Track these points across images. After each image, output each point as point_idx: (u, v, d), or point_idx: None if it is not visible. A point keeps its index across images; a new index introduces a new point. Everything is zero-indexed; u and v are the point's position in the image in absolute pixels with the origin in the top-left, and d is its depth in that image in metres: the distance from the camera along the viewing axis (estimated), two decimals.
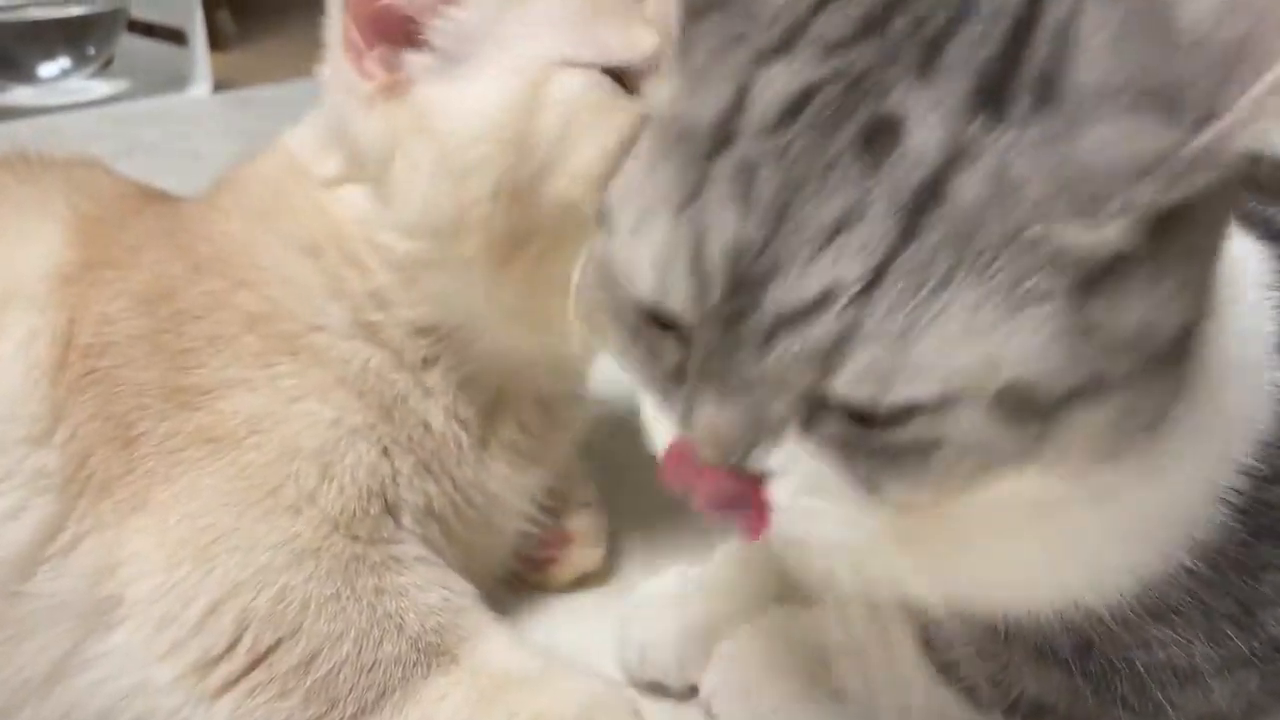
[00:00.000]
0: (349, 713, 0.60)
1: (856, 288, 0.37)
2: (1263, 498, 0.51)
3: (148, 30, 2.32)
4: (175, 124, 1.98)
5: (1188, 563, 0.50)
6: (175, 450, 0.61)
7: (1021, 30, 0.38)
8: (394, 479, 0.64)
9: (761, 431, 0.41)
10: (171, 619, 0.59)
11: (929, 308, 0.37)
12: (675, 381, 0.43)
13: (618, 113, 0.59)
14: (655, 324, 0.43)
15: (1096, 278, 0.38)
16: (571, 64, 0.59)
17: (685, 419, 0.43)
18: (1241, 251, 0.51)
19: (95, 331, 0.63)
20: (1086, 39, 0.37)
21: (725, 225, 0.39)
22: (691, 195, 0.40)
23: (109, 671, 0.60)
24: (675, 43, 0.44)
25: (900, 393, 0.38)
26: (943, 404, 0.38)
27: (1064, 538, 0.49)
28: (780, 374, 0.39)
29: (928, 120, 0.38)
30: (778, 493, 0.42)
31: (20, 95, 2.12)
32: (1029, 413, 0.39)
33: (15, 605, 0.59)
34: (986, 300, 0.37)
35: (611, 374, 0.55)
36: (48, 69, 2.13)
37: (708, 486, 0.43)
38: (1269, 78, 0.34)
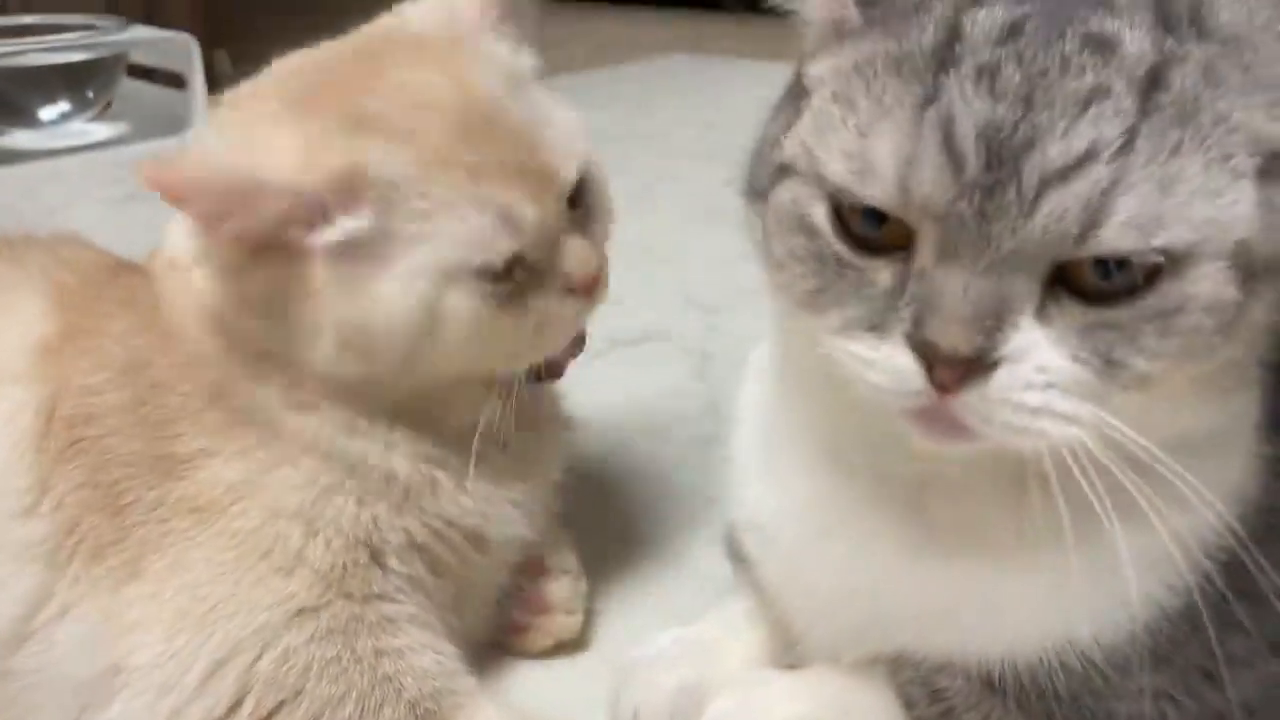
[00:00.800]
0: None
1: (1118, 143, 0.42)
2: (1240, 559, 0.52)
3: (147, 74, 2.35)
4: None
5: (1178, 605, 0.52)
6: (164, 520, 0.62)
7: None
8: (375, 523, 0.64)
9: (1007, 312, 0.43)
10: (172, 685, 0.59)
11: (1174, 166, 0.42)
12: (891, 303, 0.46)
13: (502, 317, 0.62)
14: (865, 249, 0.46)
15: (1273, 165, 0.44)
16: (465, 268, 0.60)
17: (926, 316, 0.44)
18: None
19: (78, 402, 0.63)
20: None
21: (976, 110, 0.43)
22: (928, 98, 0.44)
23: None
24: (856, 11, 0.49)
25: (1162, 238, 0.42)
26: (1188, 259, 0.42)
27: (1085, 560, 0.50)
28: (1047, 233, 0.42)
29: (1135, 34, 0.44)
30: (1006, 383, 0.44)
31: (21, 138, 2.13)
32: (1248, 274, 0.43)
33: (6, 684, 0.60)
34: (1211, 168, 0.43)
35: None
36: (48, 112, 2.15)
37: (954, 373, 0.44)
38: None
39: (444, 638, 0.67)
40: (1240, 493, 0.53)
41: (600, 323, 0.72)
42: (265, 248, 0.60)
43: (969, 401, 0.44)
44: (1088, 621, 0.52)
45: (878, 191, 0.45)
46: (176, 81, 2.24)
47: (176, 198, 0.59)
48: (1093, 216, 0.42)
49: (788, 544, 0.60)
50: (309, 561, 0.62)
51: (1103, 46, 0.43)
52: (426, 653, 0.64)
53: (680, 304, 1.32)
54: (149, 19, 2.38)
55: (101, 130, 2.21)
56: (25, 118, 2.14)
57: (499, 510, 0.69)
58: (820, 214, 0.48)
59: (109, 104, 2.25)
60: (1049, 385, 0.44)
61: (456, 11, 0.68)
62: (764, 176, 0.51)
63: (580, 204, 0.66)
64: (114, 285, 0.70)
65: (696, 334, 1.25)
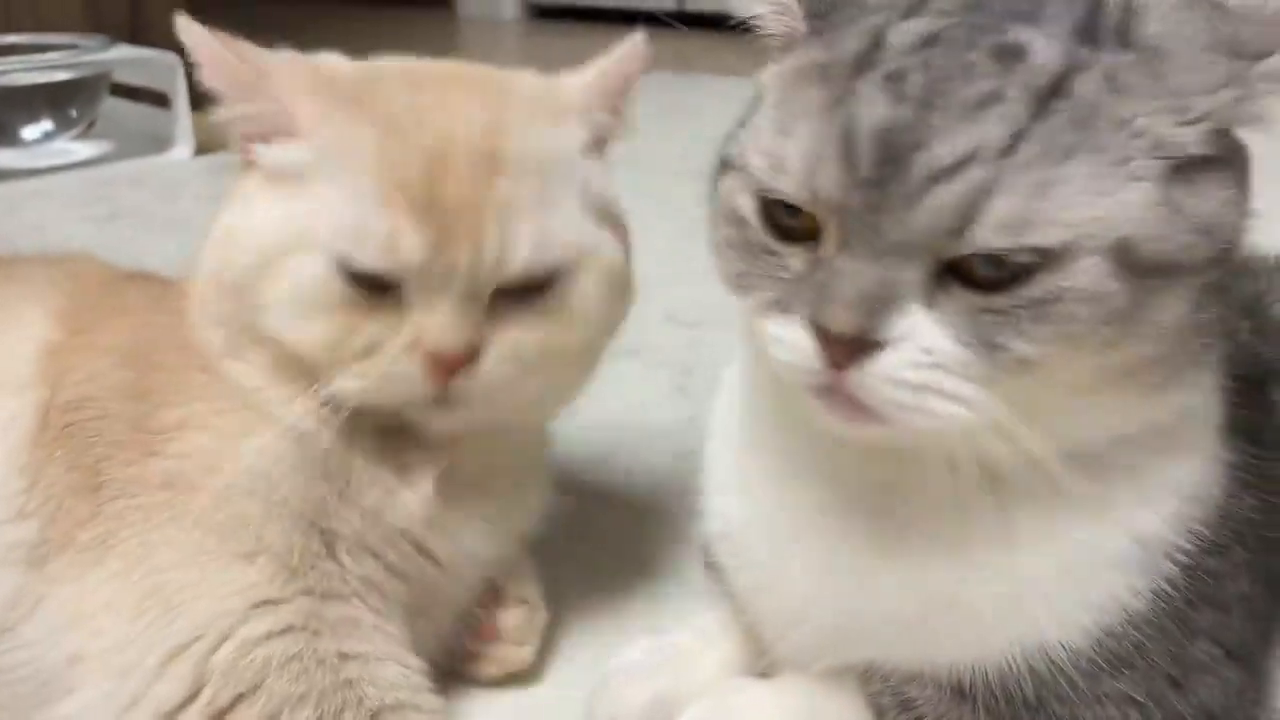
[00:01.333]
0: None
1: (1001, 144, 0.45)
2: (1204, 565, 0.53)
3: (131, 93, 2.35)
4: (157, 186, 2.00)
5: (1141, 609, 0.53)
6: (135, 495, 0.62)
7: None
8: (323, 506, 0.64)
9: (893, 297, 0.46)
10: (133, 668, 0.59)
11: (1058, 170, 0.44)
12: (799, 286, 0.49)
13: (331, 314, 0.62)
14: (785, 238, 0.50)
15: (1182, 168, 0.46)
16: (330, 247, 0.61)
17: (821, 299, 0.47)
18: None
19: (77, 389, 0.65)
20: (1152, 8, 0.48)
21: (876, 110, 0.46)
22: (838, 101, 0.47)
23: None
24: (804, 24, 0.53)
25: (1034, 238, 0.45)
26: (1065, 254, 0.45)
27: (1048, 561, 0.52)
28: (926, 227, 0.45)
29: (1047, 44, 0.47)
30: (893, 362, 0.47)
31: (3, 157, 2.13)
32: (1133, 271, 0.45)
33: None
34: (1102, 171, 0.45)
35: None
36: (31, 131, 2.16)
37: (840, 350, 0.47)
38: None
39: (409, 651, 0.66)
40: (1202, 496, 0.54)
41: None
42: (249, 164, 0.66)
43: (861, 379, 0.47)
44: (1053, 625, 0.53)
45: (788, 186, 0.49)
46: (160, 100, 2.24)
47: (199, 59, 0.64)
48: (968, 214, 0.45)
49: (758, 552, 0.60)
50: (268, 545, 0.62)
51: (1009, 55, 0.46)
52: (390, 664, 0.64)
53: (661, 320, 1.33)
54: (133, 37, 2.38)
55: (85, 149, 2.22)
56: (8, 136, 2.15)
57: (452, 524, 0.68)
58: (748, 205, 0.52)
59: (92, 123, 2.25)
60: (934, 365, 0.46)
61: (564, 87, 0.70)
62: (715, 173, 0.55)
63: (534, 306, 0.64)
64: (129, 287, 0.73)
65: (678, 350, 1.26)
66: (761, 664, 0.64)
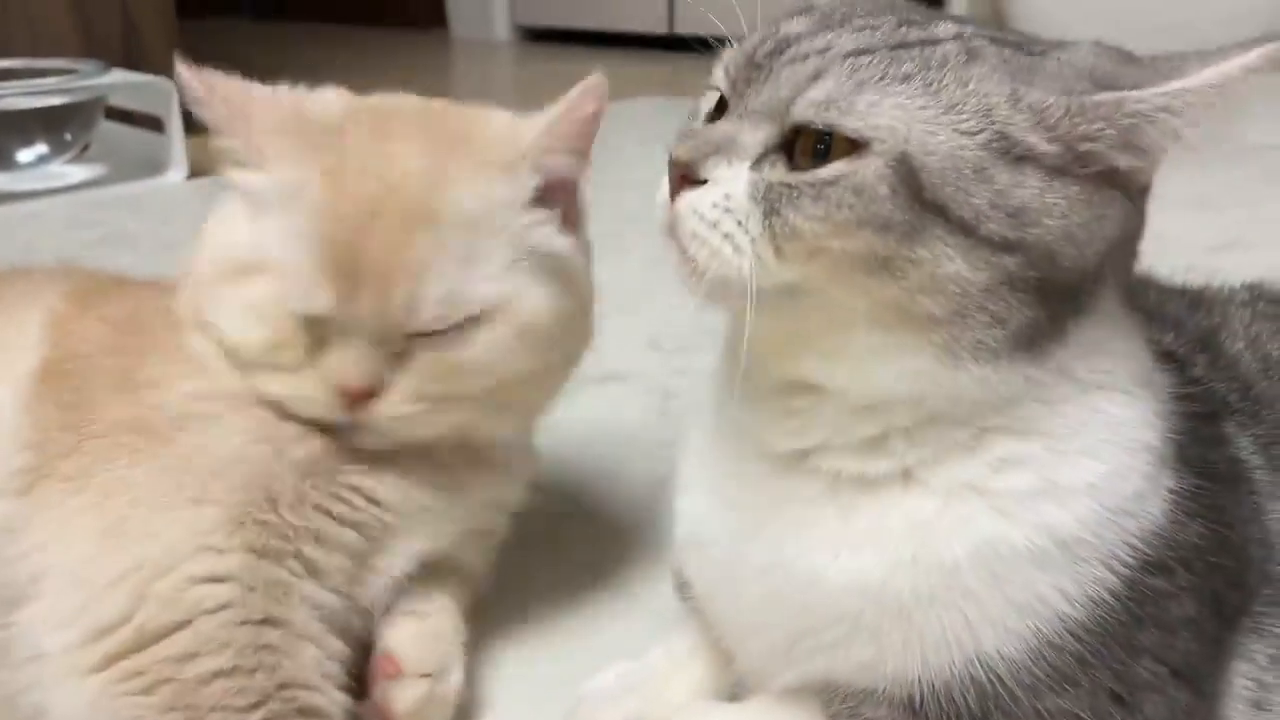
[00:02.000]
0: None
1: (845, 51, 0.54)
2: (1146, 583, 0.55)
3: (125, 116, 2.37)
4: (151, 210, 2.02)
5: (1082, 619, 0.55)
6: (116, 436, 0.68)
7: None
8: (265, 465, 0.68)
9: (727, 150, 0.55)
10: (84, 585, 0.64)
11: (884, 84, 0.52)
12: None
13: (274, 327, 0.69)
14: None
15: (1014, 155, 0.52)
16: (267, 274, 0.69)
17: (680, 139, 0.57)
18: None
19: (75, 345, 0.73)
20: (1080, 44, 0.56)
21: (792, 26, 0.57)
22: (775, 23, 0.59)
23: (17, 648, 0.64)
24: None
25: (834, 118, 0.52)
26: (861, 150, 0.52)
27: (963, 553, 0.55)
28: (769, 97, 0.55)
29: (950, 26, 0.56)
30: (702, 197, 0.55)
31: None
32: (911, 195, 0.51)
33: None
34: (925, 104, 0.52)
35: None
36: (26, 155, 2.18)
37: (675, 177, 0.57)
38: (1180, 82, 0.51)
39: (336, 642, 0.68)
40: (1135, 512, 0.56)
41: None
42: None
43: (677, 208, 0.56)
44: (987, 629, 0.55)
45: (719, 77, 0.60)
46: (155, 124, 2.26)
47: (193, 95, 0.72)
48: (798, 90, 0.54)
49: (716, 553, 0.63)
50: (216, 497, 0.66)
51: (914, 23, 0.56)
52: (310, 645, 0.66)
53: (643, 346, 1.35)
54: (128, 61, 2.41)
55: (79, 172, 2.24)
56: (2, 160, 2.16)
57: (402, 505, 0.72)
58: (709, 104, 0.62)
59: (87, 146, 2.27)
60: (727, 210, 0.55)
61: (521, 132, 0.75)
62: None
63: (445, 350, 0.70)
64: (127, 281, 0.82)
65: (659, 375, 1.28)
66: (730, 684, 0.66)
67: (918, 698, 0.57)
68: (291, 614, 0.66)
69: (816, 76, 0.53)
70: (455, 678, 0.72)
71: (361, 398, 0.69)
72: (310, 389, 0.69)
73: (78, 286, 0.78)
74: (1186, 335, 0.69)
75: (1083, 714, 0.55)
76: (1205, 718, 0.59)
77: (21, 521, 0.66)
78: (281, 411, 0.70)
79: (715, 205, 0.55)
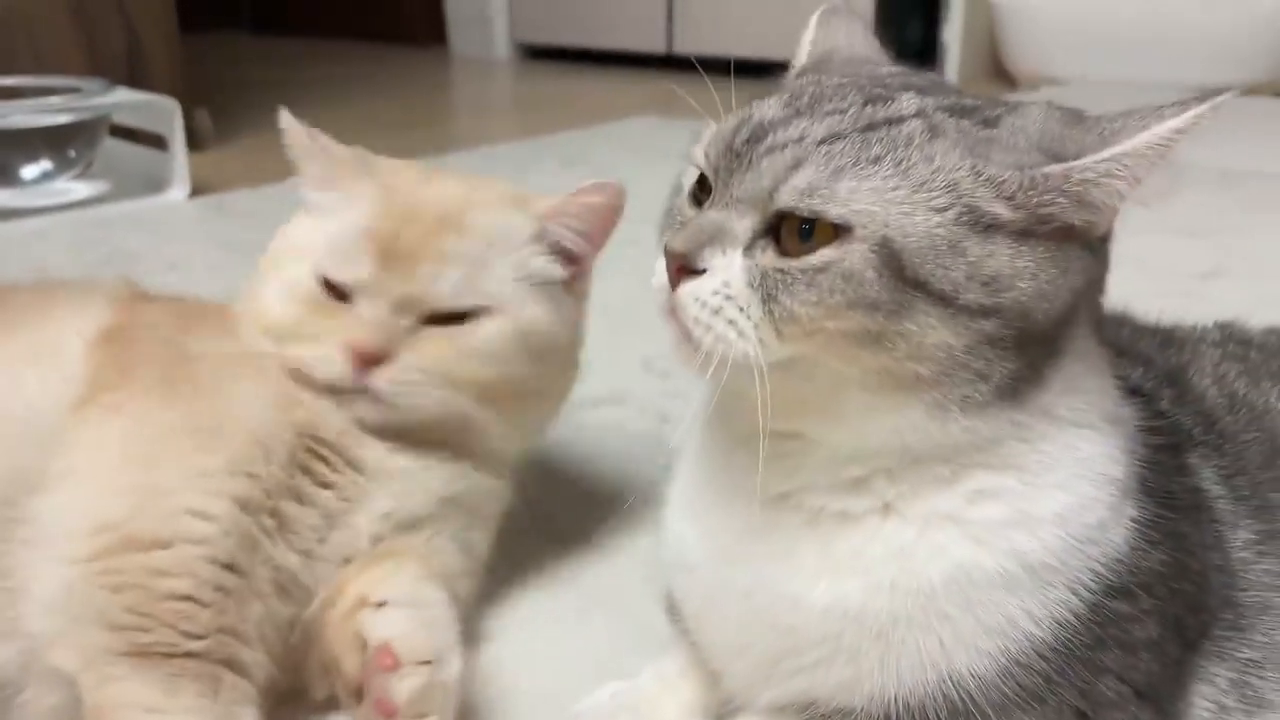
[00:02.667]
0: (145, 643, 0.69)
1: (819, 138, 0.58)
2: (1109, 606, 0.58)
3: (129, 134, 2.40)
4: (153, 227, 2.05)
5: (1049, 640, 0.58)
6: (154, 384, 0.80)
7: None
8: (268, 425, 0.80)
9: (720, 239, 0.59)
10: (95, 486, 0.75)
11: (858, 169, 0.56)
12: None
13: (305, 303, 0.84)
14: (696, 203, 0.63)
15: (982, 226, 0.55)
16: (313, 263, 0.85)
17: (675, 232, 0.61)
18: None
19: (136, 319, 0.86)
20: (1029, 108, 0.60)
21: (766, 111, 0.60)
22: (748, 108, 0.62)
23: (23, 529, 0.73)
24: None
25: (819, 206, 0.56)
26: (844, 237, 0.55)
27: (937, 576, 0.59)
28: (753, 187, 0.58)
29: (912, 100, 0.60)
30: (701, 286, 0.58)
31: (2, 197, 2.18)
32: (894, 274, 0.55)
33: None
34: (899, 186, 0.56)
35: None
36: (30, 171, 2.21)
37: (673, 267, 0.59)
38: (1119, 147, 0.55)
39: (283, 608, 0.76)
40: (1099, 540, 0.59)
41: None
42: None
43: (678, 296, 0.59)
44: (959, 649, 0.58)
45: (699, 158, 0.63)
46: (158, 142, 2.29)
47: (291, 142, 0.90)
48: (780, 179, 0.57)
49: (702, 576, 0.66)
50: (222, 448, 0.77)
51: (878, 99, 0.60)
52: (259, 603, 0.75)
53: (639, 368, 1.38)
54: (132, 79, 2.44)
55: (83, 189, 2.26)
56: (7, 176, 2.19)
57: (379, 470, 0.81)
58: (689, 182, 0.65)
59: (90, 163, 2.30)
60: (728, 297, 0.58)
61: (531, 198, 0.92)
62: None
63: (452, 336, 0.83)
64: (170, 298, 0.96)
65: (654, 398, 1.30)
66: (717, 704, 0.69)
67: (893, 716, 0.59)
68: (254, 569, 0.75)
69: (796, 166, 0.57)
70: (455, 664, 0.71)
71: (371, 361, 0.80)
72: (328, 350, 0.81)
73: (131, 289, 0.93)
74: (1155, 371, 0.73)
75: None
76: None
77: (66, 431, 0.77)
78: (301, 377, 0.82)
79: (716, 293, 0.58)
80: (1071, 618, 0.58)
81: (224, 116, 2.77)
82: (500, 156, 2.73)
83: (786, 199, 0.57)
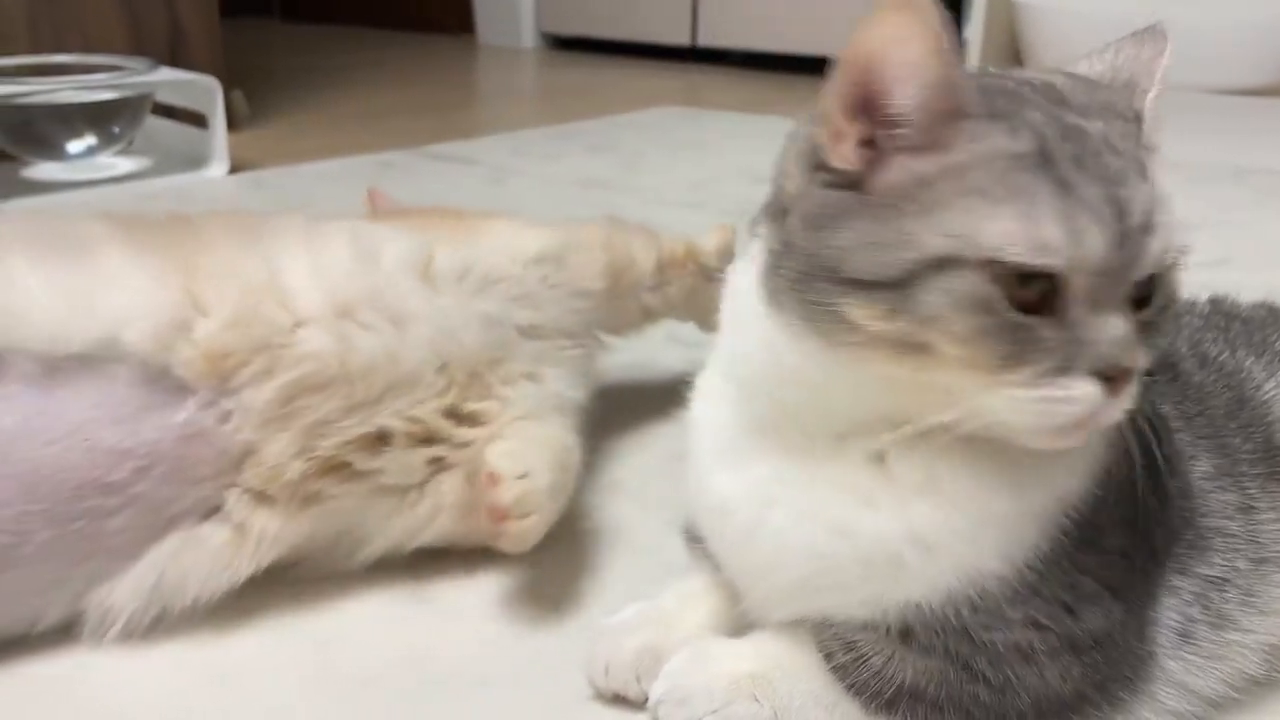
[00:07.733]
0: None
1: (1156, 193, 0.58)
2: (1090, 519, 0.65)
3: (169, 112, 2.48)
4: (192, 202, 2.12)
5: (1043, 550, 0.64)
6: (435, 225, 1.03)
7: None
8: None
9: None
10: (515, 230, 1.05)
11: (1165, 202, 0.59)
12: (1068, 348, 0.57)
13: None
14: (1026, 312, 0.56)
15: None
16: None
17: (1102, 350, 0.57)
18: None
19: (423, 212, 1.13)
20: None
21: (1130, 191, 0.57)
22: (1066, 185, 0.56)
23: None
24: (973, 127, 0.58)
25: (1170, 256, 0.60)
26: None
27: (1005, 501, 0.63)
28: (1145, 272, 0.58)
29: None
30: (1133, 386, 0.59)
31: (48, 170, 2.27)
32: None
33: None
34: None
35: None
36: (75, 146, 2.28)
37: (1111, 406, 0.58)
38: None
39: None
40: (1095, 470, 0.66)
41: None
42: None
43: (1117, 403, 0.58)
44: (993, 555, 0.63)
45: (1055, 259, 0.55)
46: (198, 120, 2.36)
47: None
48: (1161, 252, 0.58)
49: (740, 518, 0.69)
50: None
51: (1128, 134, 0.60)
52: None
53: (664, 340, 1.43)
54: (173, 59, 2.51)
55: (125, 165, 2.34)
56: (53, 150, 2.27)
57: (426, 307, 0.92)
58: (994, 293, 0.56)
59: (133, 140, 2.38)
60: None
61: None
62: (894, 269, 0.57)
63: None
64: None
65: (676, 365, 1.36)
66: (734, 619, 0.76)
67: (914, 622, 0.65)
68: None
69: (1165, 231, 0.59)
70: (544, 477, 0.84)
71: None
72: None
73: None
74: None
75: (1041, 619, 0.64)
76: (1138, 631, 0.67)
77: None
78: None
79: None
80: (1067, 523, 0.64)
81: (256, 99, 2.84)
82: (529, 141, 2.79)
83: (1161, 263, 0.60)
